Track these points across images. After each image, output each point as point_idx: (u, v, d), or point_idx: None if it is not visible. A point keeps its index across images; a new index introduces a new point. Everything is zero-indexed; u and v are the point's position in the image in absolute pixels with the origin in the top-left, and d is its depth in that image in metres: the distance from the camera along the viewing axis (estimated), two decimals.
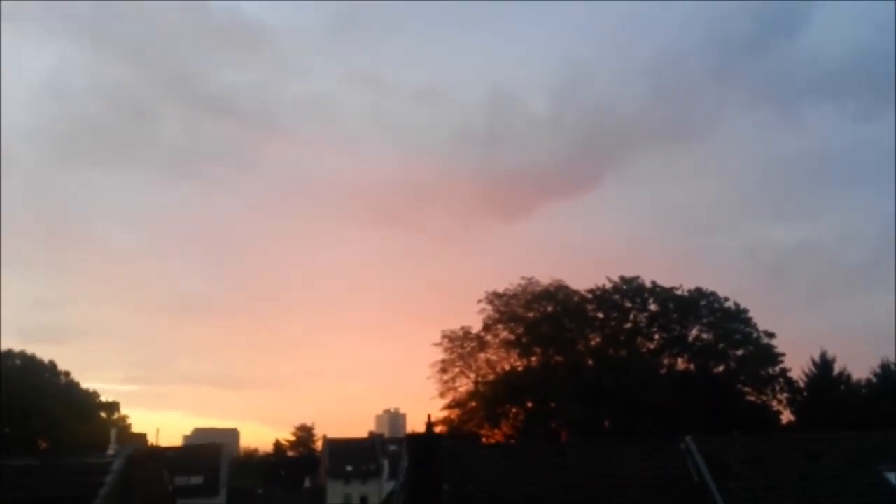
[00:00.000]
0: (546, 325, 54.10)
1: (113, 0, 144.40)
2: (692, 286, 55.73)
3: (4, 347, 64.09)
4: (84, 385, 66.79)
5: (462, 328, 56.00)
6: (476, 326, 55.69)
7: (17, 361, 63.60)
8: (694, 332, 54.51)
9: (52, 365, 65.27)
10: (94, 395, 67.65)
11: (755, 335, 53.32)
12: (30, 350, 65.24)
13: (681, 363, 54.25)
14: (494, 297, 56.14)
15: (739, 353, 53.23)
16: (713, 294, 55.03)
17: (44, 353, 75.71)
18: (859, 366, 79.71)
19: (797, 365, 53.15)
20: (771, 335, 53.26)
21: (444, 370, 55.20)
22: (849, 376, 52.28)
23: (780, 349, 52.93)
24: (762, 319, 54.52)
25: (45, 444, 58.06)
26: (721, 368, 53.14)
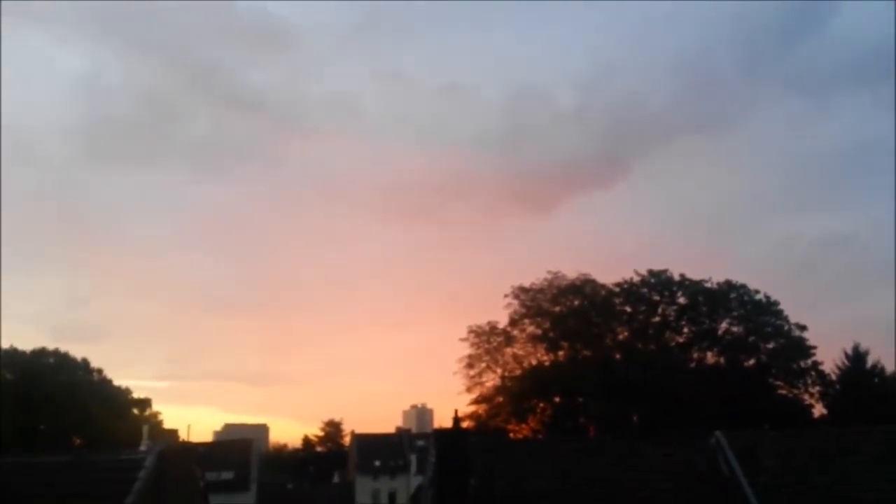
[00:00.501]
0: (573, 320, 53.85)
1: (143, 1, 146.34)
2: (721, 279, 55.14)
3: (38, 346, 65.43)
4: (116, 382, 67.90)
5: (488, 323, 56.06)
6: (502, 321, 55.70)
7: (51, 360, 64.85)
8: (724, 326, 53.88)
9: (86, 363, 66.44)
10: (127, 391, 68.77)
11: (786, 328, 52.55)
12: (63, 348, 66.47)
13: (710, 357, 53.68)
14: (521, 292, 56.00)
15: (770, 346, 52.51)
16: (743, 287, 54.32)
17: (77, 351, 77.21)
18: (894, 358, 78.04)
19: (829, 358, 52.27)
20: (802, 328, 52.48)
21: (470, 365, 55.30)
22: (882, 369, 51.18)
23: (811, 342, 52.19)
24: (793, 312, 53.81)
25: (79, 441, 59.14)
26: (752, 362, 52.47)
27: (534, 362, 54.83)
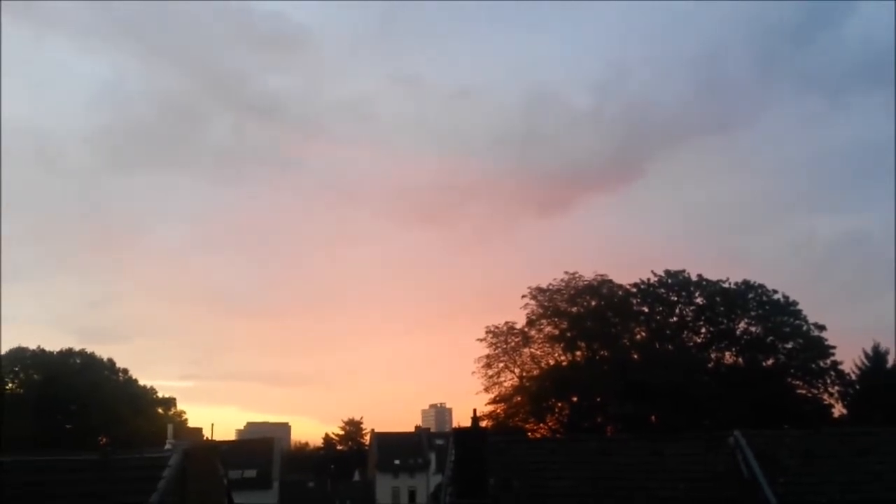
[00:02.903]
0: (590, 320, 53.95)
1: (165, 9, 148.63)
2: (739, 279, 54.97)
3: (65, 347, 66.60)
4: (141, 382, 68.92)
5: (506, 323, 56.30)
6: (520, 322, 55.91)
7: (78, 360, 66.04)
8: (742, 326, 53.66)
9: (111, 363, 67.58)
10: (152, 391, 69.82)
11: (805, 328, 52.27)
12: (89, 349, 67.58)
13: (728, 357, 53.56)
14: (538, 293, 56.19)
15: (789, 346, 52.27)
16: (761, 286, 54.12)
17: (102, 352, 78.38)
18: None
19: (849, 358, 51.96)
20: (821, 327, 52.16)
21: (488, 365, 55.60)
22: None
23: (830, 342, 51.82)
24: (812, 312, 53.51)
25: (104, 440, 60.16)
26: (770, 362, 52.26)
27: (552, 362, 55.02)
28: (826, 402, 51.40)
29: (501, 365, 55.59)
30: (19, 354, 64.25)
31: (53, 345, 67.62)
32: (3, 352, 63.79)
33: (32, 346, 65.42)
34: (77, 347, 67.15)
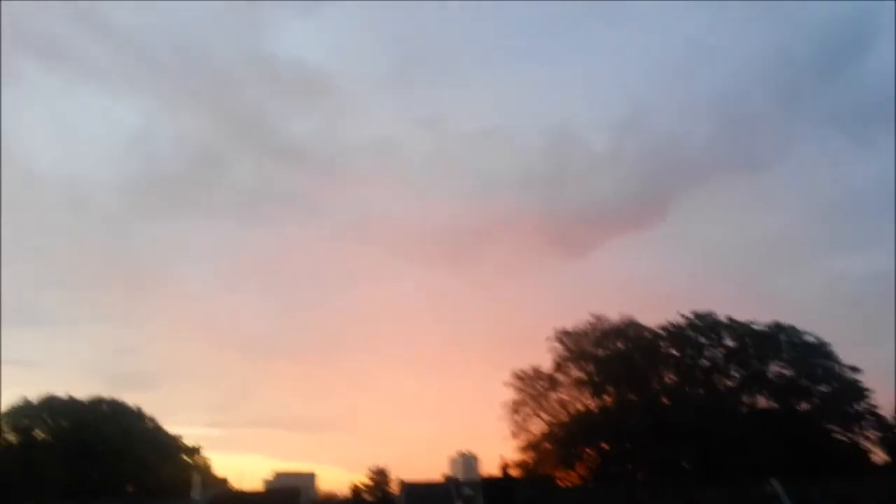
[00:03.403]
0: (618, 363, 53.40)
1: (192, 57, 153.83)
2: (769, 320, 54.15)
3: (94, 394, 67.15)
4: (168, 429, 69.01)
5: (532, 367, 56.02)
6: (546, 365, 55.58)
7: (106, 408, 66.46)
8: (774, 368, 52.60)
9: (139, 410, 67.88)
10: (178, 438, 69.83)
11: (839, 370, 51.15)
12: (118, 396, 68.05)
13: (761, 401, 52.34)
14: (564, 335, 55.92)
15: (823, 389, 51.07)
16: (792, 328, 53.25)
17: (130, 398, 78.82)
18: None
19: (887, 401, 50.53)
20: (856, 370, 51.01)
21: (515, 411, 55.11)
22: None
23: (866, 384, 50.59)
24: (845, 353, 52.31)
25: (133, 488, 60.16)
26: (804, 406, 51.04)
27: (580, 408, 54.36)
28: (864, 448, 49.92)
29: (529, 410, 55.10)
30: (50, 402, 64.90)
31: (81, 391, 68.04)
32: (34, 399, 64.87)
33: (61, 394, 66.12)
34: (105, 394, 67.56)
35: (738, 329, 53.80)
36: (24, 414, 63.70)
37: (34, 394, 65.40)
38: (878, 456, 49.85)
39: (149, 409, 69.16)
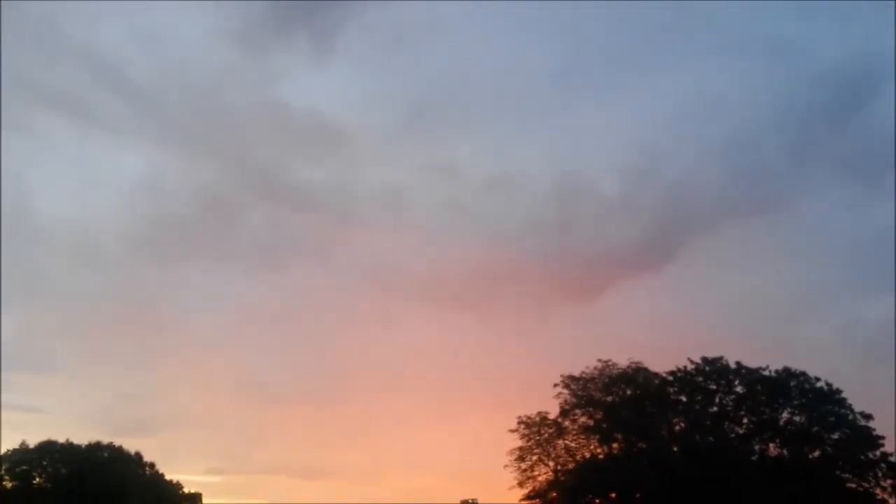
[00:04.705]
0: (626, 410, 52.63)
1: (204, 106, 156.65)
2: (779, 366, 53.44)
3: (93, 440, 66.45)
4: (168, 476, 68.12)
5: (539, 413, 55.15)
6: (553, 411, 54.80)
7: (106, 454, 65.72)
8: (785, 416, 51.72)
9: (139, 457, 67.11)
10: (178, 486, 68.83)
11: (851, 417, 50.35)
12: (118, 442, 67.36)
13: (773, 449, 51.38)
14: (571, 381, 55.23)
15: (835, 436, 50.18)
16: (803, 374, 52.53)
17: (131, 444, 78.11)
18: None
19: None
20: (868, 416, 50.19)
21: (521, 458, 54.15)
22: None
23: (879, 432, 49.73)
24: (857, 400, 51.56)
25: None
26: (817, 454, 50.11)
27: (587, 455, 53.43)
28: (879, 497, 48.82)
29: (535, 458, 54.13)
30: (48, 448, 64.28)
31: (83, 437, 67.49)
32: (32, 445, 64.18)
33: (61, 440, 65.50)
34: (108, 440, 67.00)
35: (748, 375, 53.06)
36: (23, 460, 63.03)
37: (37, 439, 64.88)
38: None
39: (151, 455, 68.54)
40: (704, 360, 54.31)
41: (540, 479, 53.69)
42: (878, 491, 49.03)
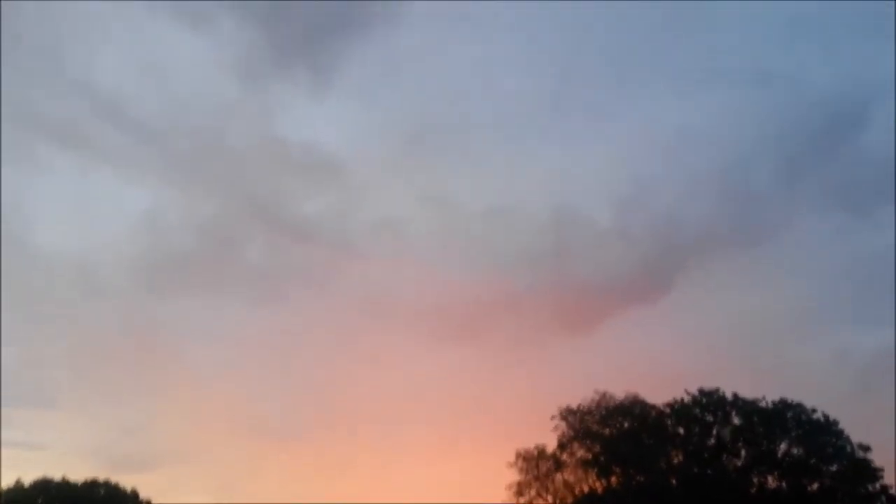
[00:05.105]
0: (624, 443, 52.48)
1: (205, 143, 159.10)
2: (775, 397, 53.47)
3: (89, 477, 65.82)
4: None
5: (536, 447, 54.97)
6: (551, 444, 54.63)
7: (102, 491, 65.09)
8: (783, 447, 51.60)
9: (135, 494, 66.39)
10: None
11: (849, 449, 50.25)
12: (115, 478, 66.69)
13: (771, 481, 51.13)
14: (568, 414, 55.12)
15: (834, 468, 50.01)
16: (799, 405, 52.52)
17: (133, 480, 77.32)
18: None
19: None
20: (866, 448, 50.10)
21: (519, 493, 53.85)
22: None
23: (877, 463, 49.60)
24: (854, 431, 51.50)
25: None
26: (815, 486, 49.87)
27: (586, 489, 53.14)
28: None
29: (533, 492, 53.84)
30: (44, 486, 63.56)
31: (81, 473, 66.77)
32: (27, 482, 63.52)
33: (58, 476, 64.91)
34: (104, 475, 66.27)
35: (745, 407, 53.05)
36: (17, 499, 62.35)
37: (34, 476, 64.28)
38: None
39: (150, 490, 67.69)
40: (701, 391, 54.34)
41: None
42: None
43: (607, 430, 53.79)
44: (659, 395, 58.06)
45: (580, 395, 56.33)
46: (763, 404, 53.09)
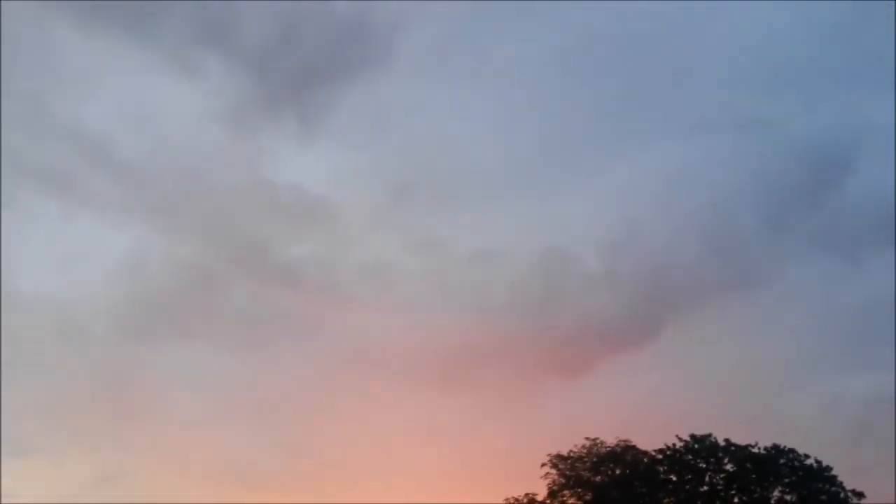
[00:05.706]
0: (616, 490, 51.73)
1: (189, 185, 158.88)
2: (767, 443, 53.02)
3: None
4: None
5: (526, 495, 54.08)
6: (541, 493, 53.71)
7: None
8: (776, 494, 51.10)
9: None
10: None
11: (842, 495, 49.81)
12: None
13: None
14: (559, 461, 54.40)
15: None
16: (792, 451, 52.07)
17: None
18: None
19: None
20: (860, 494, 49.70)
21: None
22: None
23: None
24: (847, 477, 51.11)
25: None
26: None
27: None
28: None
29: None
30: None
31: None
32: None
33: None
34: None
35: (738, 452, 52.53)
36: None
37: None
38: None
39: None
40: (693, 437, 53.78)
41: None
42: None
43: (598, 478, 53.06)
44: (650, 441, 57.57)
45: (571, 441, 55.74)
46: (755, 450, 52.60)
